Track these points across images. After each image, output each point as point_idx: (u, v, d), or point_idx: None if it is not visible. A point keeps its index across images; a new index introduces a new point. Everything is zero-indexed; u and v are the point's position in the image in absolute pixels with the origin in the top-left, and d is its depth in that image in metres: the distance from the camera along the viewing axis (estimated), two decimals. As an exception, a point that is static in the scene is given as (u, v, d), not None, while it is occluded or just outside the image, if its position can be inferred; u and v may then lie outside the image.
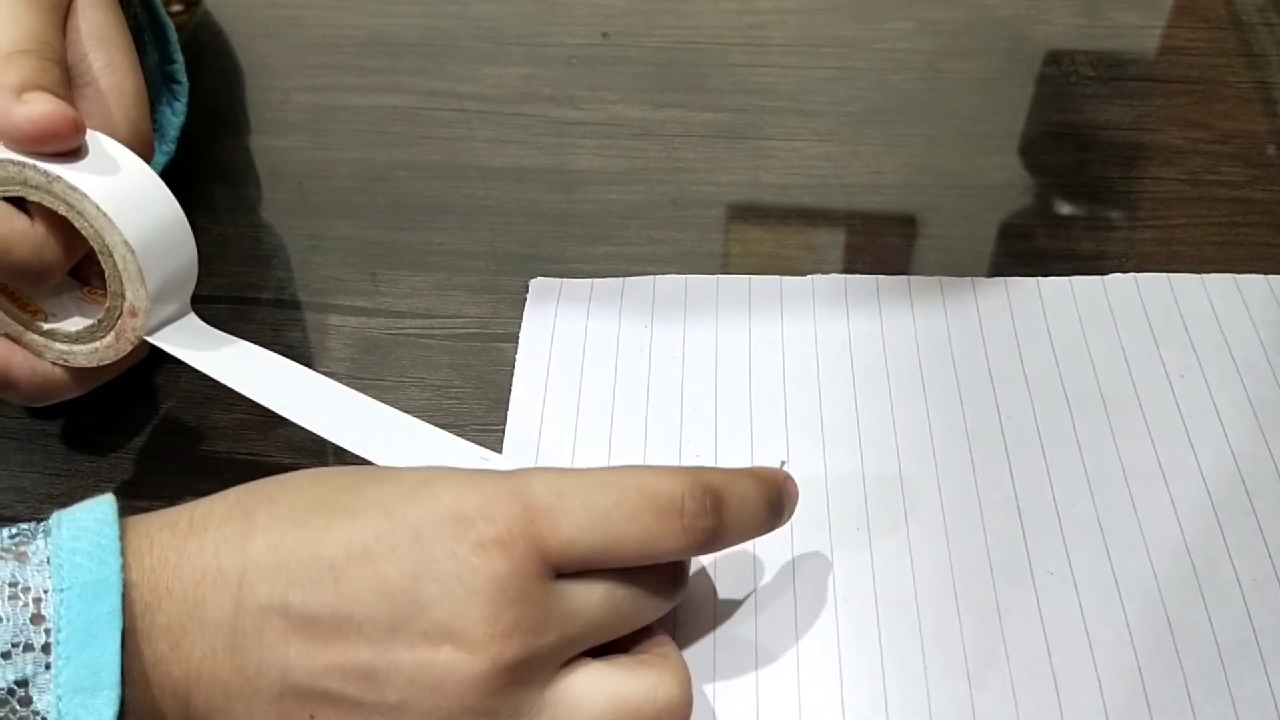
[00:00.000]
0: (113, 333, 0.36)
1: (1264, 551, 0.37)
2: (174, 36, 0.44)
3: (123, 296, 0.35)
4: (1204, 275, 0.46)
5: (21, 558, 0.28)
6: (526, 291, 0.47)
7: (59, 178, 0.34)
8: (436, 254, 0.49)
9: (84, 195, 0.34)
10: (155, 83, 0.46)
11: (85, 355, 0.36)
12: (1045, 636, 0.35)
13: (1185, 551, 0.37)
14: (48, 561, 0.28)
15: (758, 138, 0.54)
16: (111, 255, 0.34)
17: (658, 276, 0.47)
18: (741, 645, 0.35)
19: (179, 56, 0.45)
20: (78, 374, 0.38)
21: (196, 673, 0.29)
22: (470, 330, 0.46)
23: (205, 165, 0.53)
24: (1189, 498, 0.39)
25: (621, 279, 0.47)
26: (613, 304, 0.46)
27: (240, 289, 0.48)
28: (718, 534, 0.31)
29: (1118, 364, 0.43)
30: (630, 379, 0.43)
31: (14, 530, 0.30)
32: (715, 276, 0.47)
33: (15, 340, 0.37)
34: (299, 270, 0.48)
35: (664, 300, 0.46)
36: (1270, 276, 0.45)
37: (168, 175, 0.37)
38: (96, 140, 0.35)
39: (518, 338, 0.45)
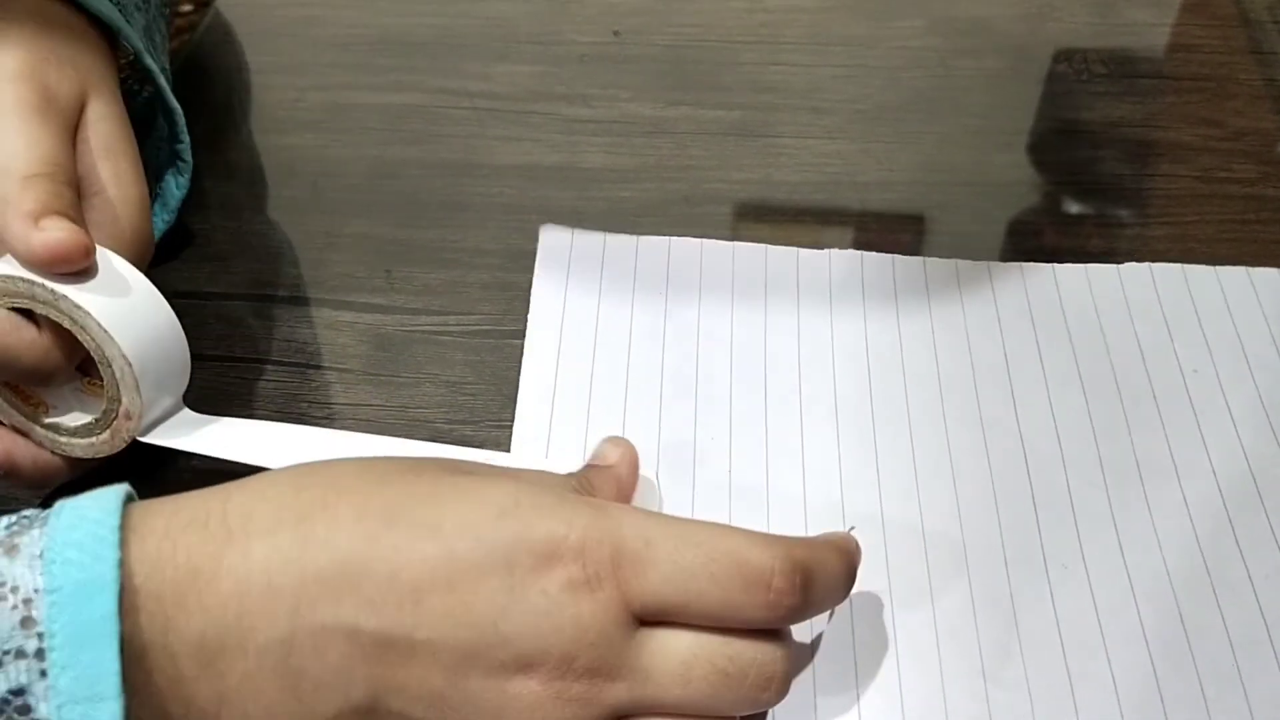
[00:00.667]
0: (109, 431, 0.38)
1: (1275, 548, 0.37)
2: (182, 121, 0.46)
3: (119, 401, 0.37)
4: (1218, 267, 0.46)
5: (12, 551, 0.26)
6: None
7: (65, 296, 0.36)
8: (450, 251, 0.49)
9: (87, 313, 0.36)
10: (163, 153, 0.47)
11: (82, 449, 0.39)
12: (1059, 632, 0.35)
13: (1197, 548, 0.37)
14: (40, 556, 0.26)
15: (769, 135, 0.54)
16: (110, 366, 0.37)
17: (672, 239, 0.47)
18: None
19: (185, 138, 0.46)
20: (75, 461, 0.39)
21: (234, 690, 0.28)
22: (484, 327, 0.46)
23: (220, 163, 0.53)
24: (1201, 495, 0.39)
25: (636, 237, 0.47)
26: (626, 272, 0.45)
27: (256, 286, 0.48)
28: (800, 611, 0.31)
29: (1132, 355, 0.43)
30: (644, 358, 0.43)
31: (12, 519, 0.27)
32: (731, 244, 0.47)
33: (21, 432, 0.39)
34: (313, 267, 0.49)
35: (679, 270, 0.46)
36: None
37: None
38: (103, 256, 0.37)
39: (531, 334, 0.45)
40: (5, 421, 0.39)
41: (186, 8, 0.59)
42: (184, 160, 0.47)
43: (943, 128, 0.54)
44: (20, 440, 0.39)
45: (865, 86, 0.56)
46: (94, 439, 0.38)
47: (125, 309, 0.37)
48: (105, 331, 0.36)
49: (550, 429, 0.41)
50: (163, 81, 0.45)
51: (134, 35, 0.43)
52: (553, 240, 0.46)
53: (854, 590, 0.36)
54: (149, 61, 0.44)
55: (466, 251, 0.49)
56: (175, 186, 0.47)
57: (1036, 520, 0.38)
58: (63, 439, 0.39)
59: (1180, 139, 0.53)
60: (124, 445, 0.38)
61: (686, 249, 0.46)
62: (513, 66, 0.58)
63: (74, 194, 0.38)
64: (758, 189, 0.51)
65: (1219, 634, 0.35)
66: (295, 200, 0.52)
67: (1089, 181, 0.51)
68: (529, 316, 0.45)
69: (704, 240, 0.47)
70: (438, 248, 0.49)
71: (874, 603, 0.36)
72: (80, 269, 0.36)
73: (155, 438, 0.38)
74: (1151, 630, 0.35)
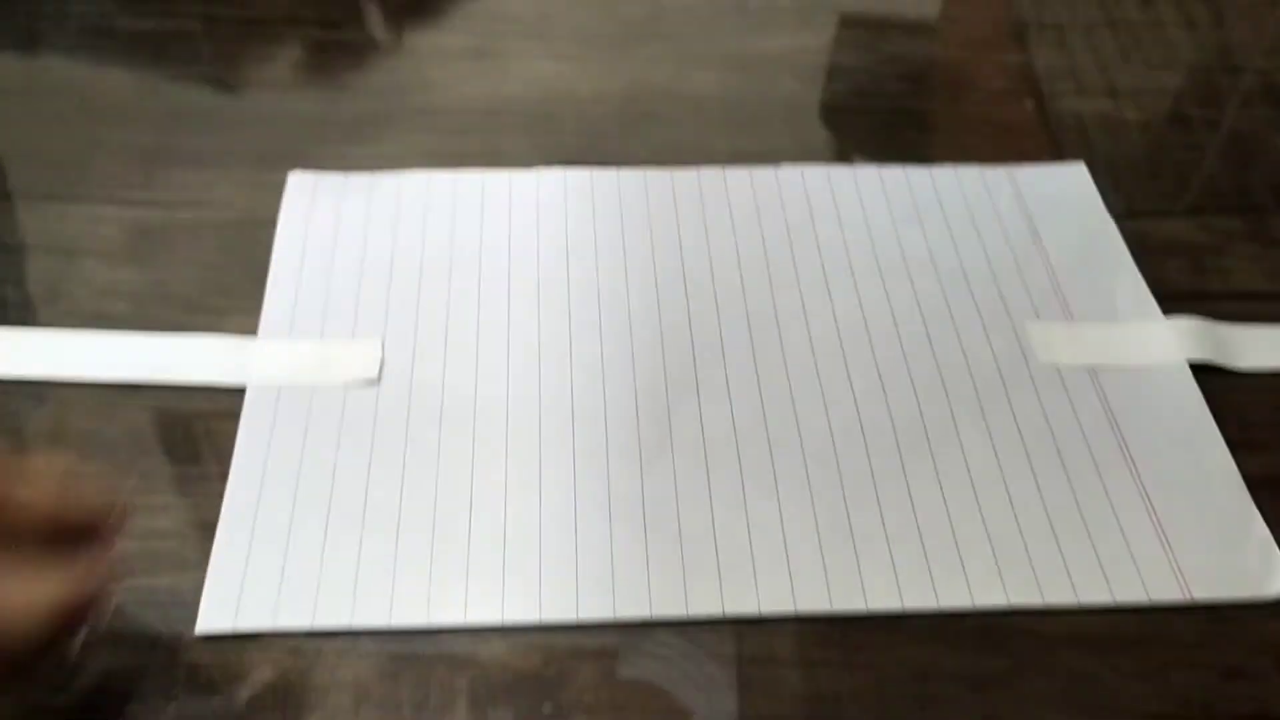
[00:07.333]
0: None
1: (871, 363, 0.47)
2: None
3: None
4: (856, 168, 0.56)
5: None
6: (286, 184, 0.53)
7: None
8: (206, 155, 0.55)
9: None
10: None
11: None
12: (703, 438, 0.44)
13: (815, 372, 0.47)
14: None
15: (501, 57, 0.61)
16: None
17: (404, 173, 0.54)
18: (459, 485, 0.43)
19: None
20: None
21: None
22: (237, 219, 0.52)
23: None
24: (822, 332, 0.48)
25: (372, 174, 0.54)
26: (362, 194, 0.53)
27: (24, 185, 0.53)
28: None
29: (780, 236, 0.52)
30: (376, 254, 0.50)
31: None
32: (453, 174, 0.54)
33: None
34: (79, 169, 0.54)
35: (409, 193, 0.53)
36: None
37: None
38: None
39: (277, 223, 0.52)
40: None
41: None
42: None
43: (650, 51, 0.62)
44: None
45: (586, 16, 0.64)
46: None
47: None
48: None
49: (294, 320, 0.48)
50: None
51: None
52: (299, 181, 0.53)
53: (541, 410, 0.45)
54: None
55: (220, 154, 0.55)
56: None
57: (694, 358, 0.47)
58: None
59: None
60: None
61: (415, 179, 0.54)
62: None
63: None
64: (488, 102, 0.59)
65: (824, 427, 0.45)
66: (61, 112, 0.57)
67: (775, 100, 0.60)
68: (275, 236, 0.51)
69: (431, 172, 0.54)
70: (193, 153, 0.55)
71: (557, 416, 0.45)
72: None
73: None
74: (774, 430, 0.45)
